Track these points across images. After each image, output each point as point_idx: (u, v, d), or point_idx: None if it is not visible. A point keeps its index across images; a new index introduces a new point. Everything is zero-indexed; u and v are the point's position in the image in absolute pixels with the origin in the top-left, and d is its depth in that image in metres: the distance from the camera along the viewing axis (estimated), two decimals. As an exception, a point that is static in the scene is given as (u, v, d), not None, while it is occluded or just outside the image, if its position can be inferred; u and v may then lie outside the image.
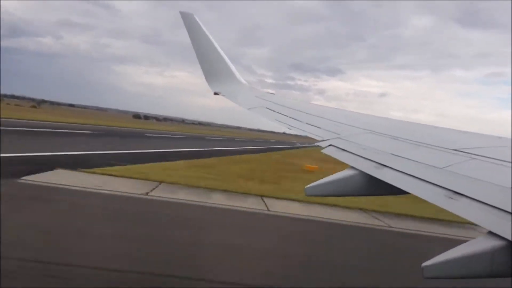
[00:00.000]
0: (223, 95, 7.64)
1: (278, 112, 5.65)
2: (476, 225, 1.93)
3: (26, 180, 10.19)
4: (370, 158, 2.82)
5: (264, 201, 12.37)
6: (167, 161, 19.22)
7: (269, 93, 8.27)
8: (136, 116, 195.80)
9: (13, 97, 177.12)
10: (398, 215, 13.39)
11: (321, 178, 2.56)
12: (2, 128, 23.40)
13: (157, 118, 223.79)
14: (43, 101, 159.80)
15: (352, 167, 2.73)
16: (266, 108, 6.09)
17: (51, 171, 11.85)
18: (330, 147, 3.30)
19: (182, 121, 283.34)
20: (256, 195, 13.11)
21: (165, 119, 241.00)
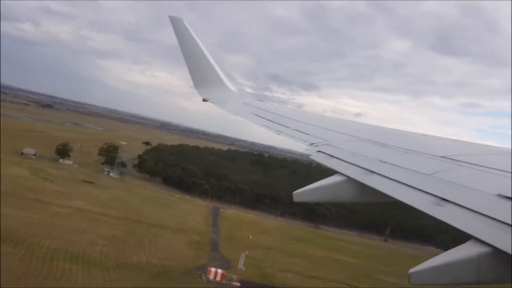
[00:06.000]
0: (212, 102, 7.61)
1: (266, 119, 5.65)
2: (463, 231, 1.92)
3: None
4: (358, 165, 2.81)
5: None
6: None
7: (258, 100, 8.27)
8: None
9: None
10: None
11: None
12: None
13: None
14: None
15: (341, 173, 2.73)
16: (255, 114, 6.09)
17: None
18: (319, 153, 3.30)
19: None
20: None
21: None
